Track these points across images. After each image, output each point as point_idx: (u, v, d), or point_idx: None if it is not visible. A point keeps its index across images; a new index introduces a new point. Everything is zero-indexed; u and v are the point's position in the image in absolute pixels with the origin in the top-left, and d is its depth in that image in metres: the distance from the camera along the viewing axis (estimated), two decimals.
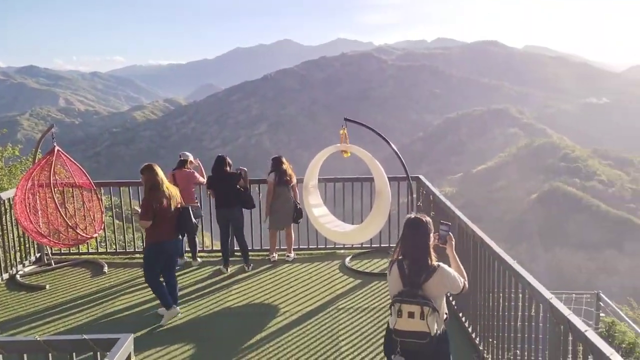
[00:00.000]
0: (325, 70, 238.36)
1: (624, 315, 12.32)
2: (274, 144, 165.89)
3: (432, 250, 3.67)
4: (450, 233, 3.98)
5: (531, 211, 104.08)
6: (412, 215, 3.80)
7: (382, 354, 5.57)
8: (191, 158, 8.67)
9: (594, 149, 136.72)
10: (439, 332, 3.58)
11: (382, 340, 5.86)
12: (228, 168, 8.21)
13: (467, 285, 3.79)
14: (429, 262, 3.61)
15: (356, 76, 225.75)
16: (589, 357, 3.16)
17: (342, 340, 5.95)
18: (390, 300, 3.75)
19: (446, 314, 3.76)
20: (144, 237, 7.14)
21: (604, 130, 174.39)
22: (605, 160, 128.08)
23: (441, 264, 3.66)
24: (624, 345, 13.68)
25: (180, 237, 6.54)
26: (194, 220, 6.51)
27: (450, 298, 6.72)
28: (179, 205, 6.42)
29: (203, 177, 8.65)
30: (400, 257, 3.71)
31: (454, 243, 4.00)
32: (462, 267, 3.92)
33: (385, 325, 6.23)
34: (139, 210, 6.33)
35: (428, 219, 3.76)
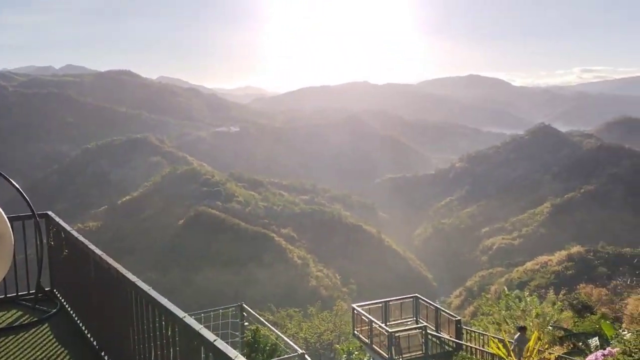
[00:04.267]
0: None
1: (264, 321, 13.88)
2: None
3: None
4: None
5: (180, 236, 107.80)
6: None
7: None
8: None
9: (230, 173, 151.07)
10: None
11: None
12: None
13: None
14: None
15: None
16: None
17: None
18: None
19: None
20: None
21: (236, 156, 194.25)
22: (240, 183, 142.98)
23: None
24: (267, 348, 15.40)
25: None
26: None
27: (91, 338, 6.31)
28: None
29: None
30: None
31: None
32: None
33: None
34: None
35: None
